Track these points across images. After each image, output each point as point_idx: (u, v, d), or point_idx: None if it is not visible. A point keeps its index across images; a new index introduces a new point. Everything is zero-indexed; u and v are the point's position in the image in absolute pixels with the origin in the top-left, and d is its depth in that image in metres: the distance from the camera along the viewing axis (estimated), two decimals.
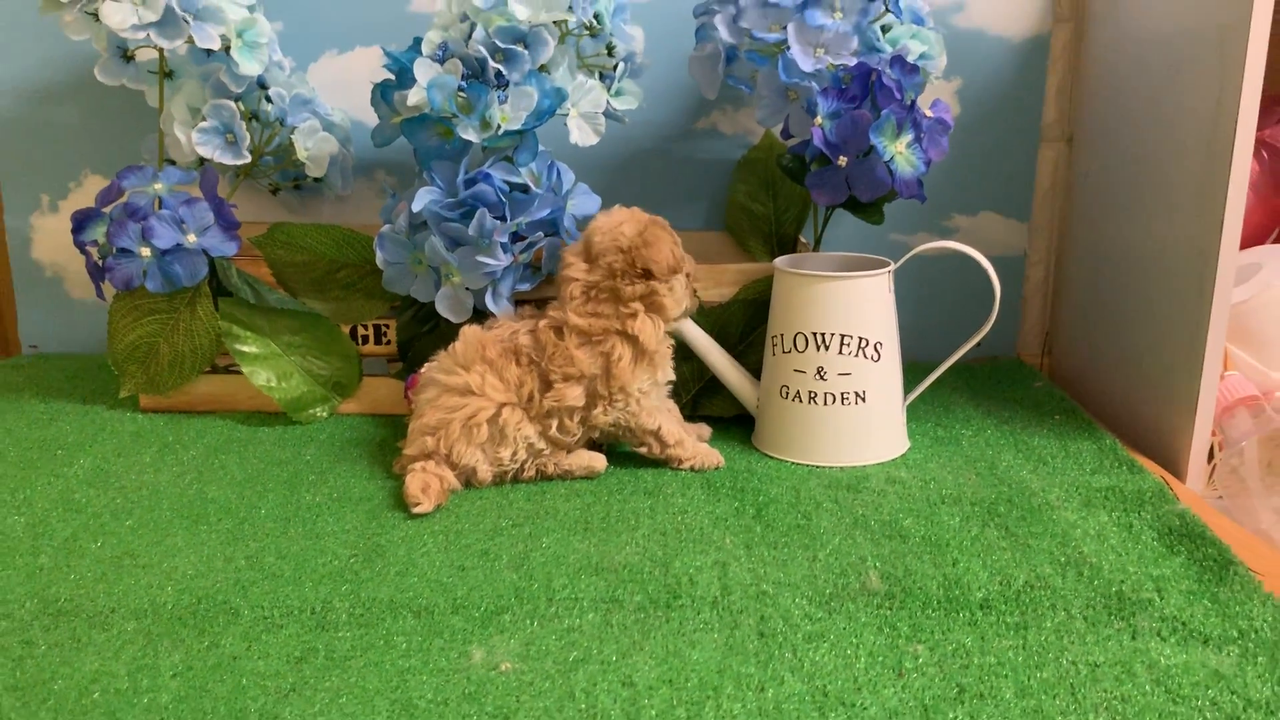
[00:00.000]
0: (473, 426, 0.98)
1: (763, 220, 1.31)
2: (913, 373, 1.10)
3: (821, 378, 1.03)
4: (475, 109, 1.04)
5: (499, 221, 1.05)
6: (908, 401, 1.08)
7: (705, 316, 1.14)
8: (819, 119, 1.00)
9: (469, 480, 1.00)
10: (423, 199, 1.06)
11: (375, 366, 1.20)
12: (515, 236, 1.07)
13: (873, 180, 0.99)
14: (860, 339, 1.02)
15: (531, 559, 0.85)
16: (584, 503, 0.96)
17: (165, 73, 1.19)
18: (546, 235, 1.09)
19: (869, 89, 1.00)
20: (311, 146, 1.18)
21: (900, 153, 0.99)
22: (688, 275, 1.04)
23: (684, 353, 1.09)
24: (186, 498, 0.97)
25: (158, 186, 1.13)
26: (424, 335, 1.14)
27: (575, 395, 0.99)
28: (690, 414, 1.15)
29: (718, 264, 1.17)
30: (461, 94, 1.04)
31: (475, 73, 1.06)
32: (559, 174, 1.10)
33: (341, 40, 1.32)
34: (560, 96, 1.06)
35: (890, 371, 1.05)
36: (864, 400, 1.03)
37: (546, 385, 0.99)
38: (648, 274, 0.99)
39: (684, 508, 0.94)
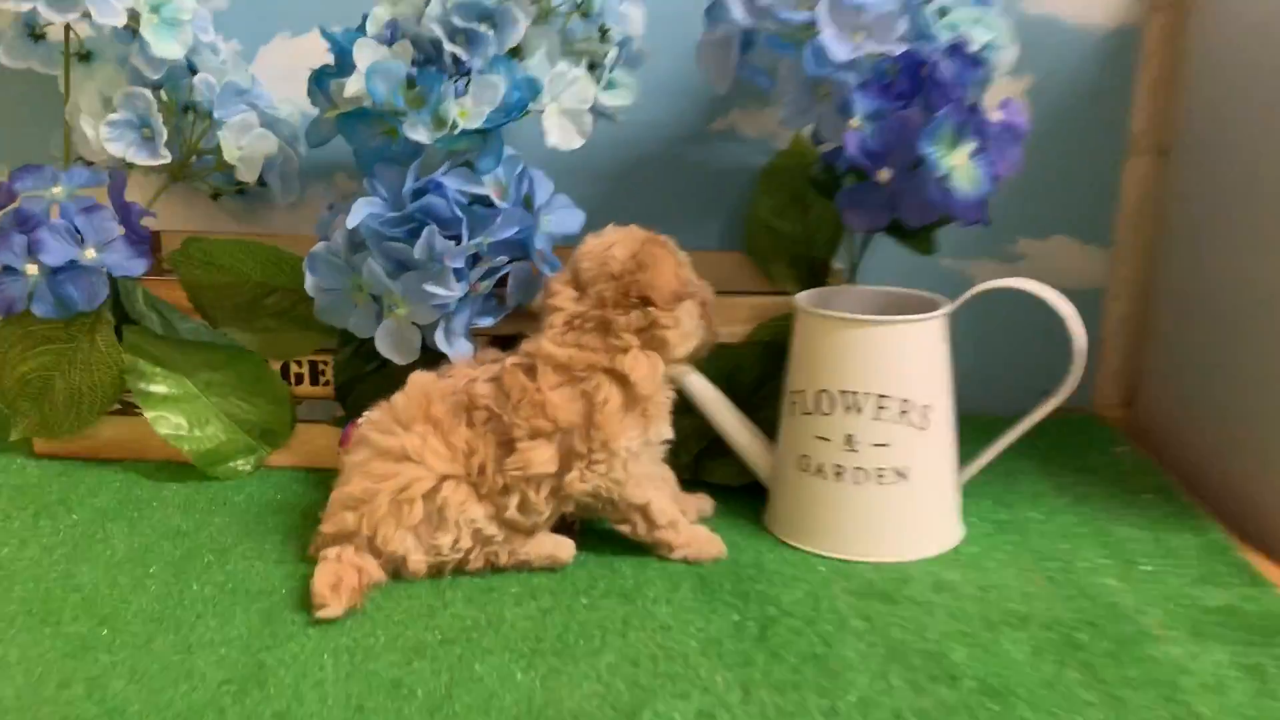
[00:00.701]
0: (404, 503, 0.78)
1: (790, 241, 1.09)
2: (971, 434, 0.87)
3: (851, 448, 0.81)
4: (427, 102, 0.84)
5: (452, 242, 0.84)
6: (963, 480, 0.86)
7: (712, 361, 0.93)
8: (855, 120, 0.79)
9: (398, 570, 0.79)
10: (360, 212, 0.85)
11: (316, 410, 0.99)
12: (474, 260, 0.86)
13: (923, 201, 0.77)
14: (903, 401, 0.80)
15: (454, 699, 0.64)
16: (539, 608, 0.75)
17: (80, 54, 1.00)
18: (513, 260, 0.88)
19: (920, 84, 0.79)
20: (245, 145, 0.98)
21: (959, 166, 0.77)
22: (702, 304, 0.83)
23: (686, 404, 0.88)
24: (46, 584, 0.77)
25: (56, 190, 0.94)
26: (368, 376, 0.94)
27: (545, 459, 0.78)
28: (690, 480, 0.94)
29: (731, 294, 0.95)
30: (411, 84, 0.84)
31: (429, 57, 0.86)
32: (532, 184, 0.89)
33: (295, 21, 1.12)
34: (534, 89, 0.86)
35: (940, 442, 0.83)
36: (905, 479, 0.81)
37: (506, 450, 0.78)
38: (646, 301, 0.78)
39: (667, 621, 0.73)
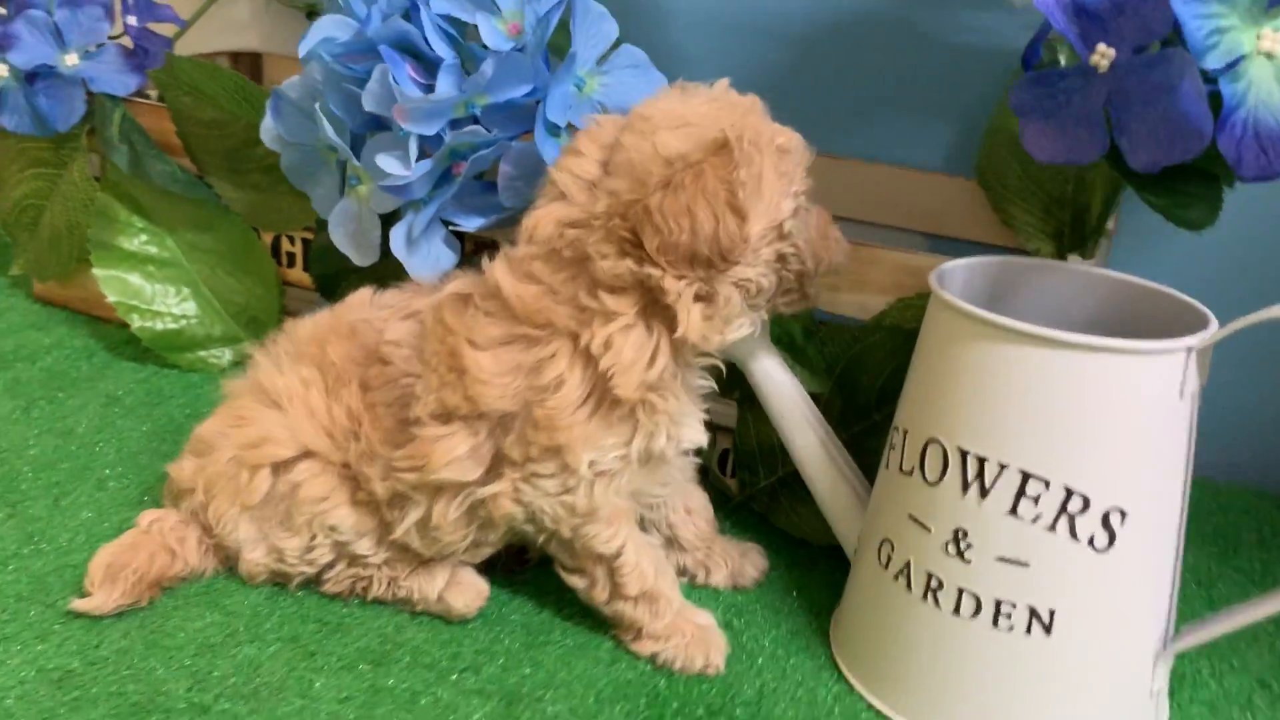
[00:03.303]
0: (245, 469, 0.52)
1: (1050, 175, 0.69)
2: (1216, 525, 0.48)
3: (960, 554, 0.45)
4: None
5: (424, 93, 0.55)
6: (1181, 648, 0.47)
7: (817, 348, 0.59)
8: None
9: (232, 566, 0.54)
10: (317, 34, 0.58)
11: (308, 306, 0.75)
12: (462, 127, 0.57)
13: (1168, 120, 0.38)
14: (1069, 493, 0.43)
15: None
16: (370, 685, 0.47)
17: None
18: (513, 138, 0.58)
19: None
20: None
21: (1268, 54, 0.37)
22: (799, 269, 0.49)
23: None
24: None
25: None
26: (352, 272, 0.68)
27: (456, 457, 0.49)
28: (752, 517, 0.62)
29: (886, 244, 0.60)
30: None
31: None
32: (579, 18, 0.57)
33: None
34: None
35: (1134, 577, 0.45)
36: (1048, 630, 0.44)
37: (402, 431, 0.50)
38: (636, 245, 0.45)
39: None
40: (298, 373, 0.53)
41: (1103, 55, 0.39)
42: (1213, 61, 0.36)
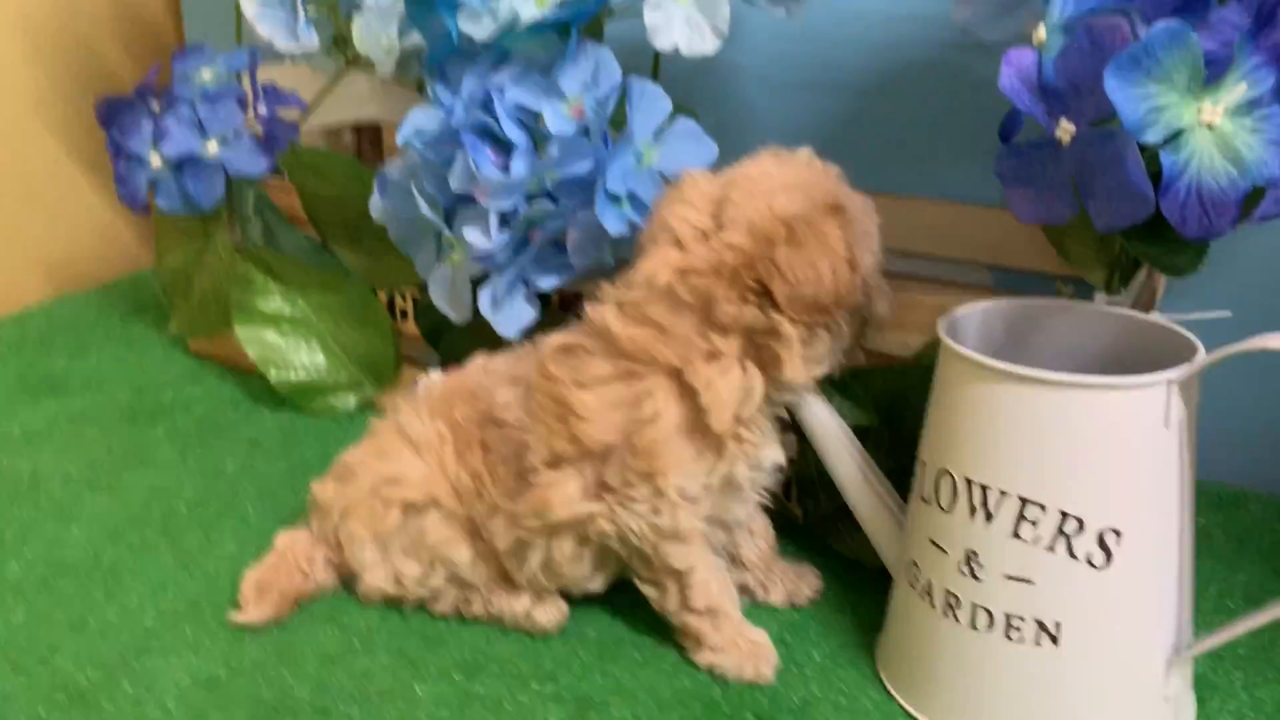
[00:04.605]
0: (381, 503, 0.60)
1: None
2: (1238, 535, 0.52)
3: (973, 573, 0.50)
4: None
5: (501, 175, 0.63)
6: (1196, 651, 0.51)
7: (863, 385, 0.64)
8: (1040, 30, 0.45)
9: (348, 583, 0.63)
10: (412, 124, 0.67)
11: (420, 355, 0.85)
12: (550, 200, 0.65)
13: (1121, 187, 0.43)
14: (1064, 516, 0.47)
15: None
16: (455, 690, 0.55)
17: None
18: (582, 206, 0.65)
19: None
20: (376, 31, 0.82)
21: (1208, 127, 0.41)
22: (861, 320, 0.56)
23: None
24: (20, 484, 0.71)
25: (205, 75, 0.86)
26: (453, 326, 0.76)
27: (569, 498, 0.56)
28: (815, 541, 0.67)
29: (917, 288, 0.65)
30: None
31: None
32: (636, 99, 0.64)
33: None
34: None
35: (1135, 591, 0.49)
36: (1055, 641, 0.49)
37: (519, 484, 0.57)
38: (765, 295, 0.52)
39: None
40: (435, 426, 0.60)
41: (1064, 130, 0.44)
42: (1152, 136, 0.40)
